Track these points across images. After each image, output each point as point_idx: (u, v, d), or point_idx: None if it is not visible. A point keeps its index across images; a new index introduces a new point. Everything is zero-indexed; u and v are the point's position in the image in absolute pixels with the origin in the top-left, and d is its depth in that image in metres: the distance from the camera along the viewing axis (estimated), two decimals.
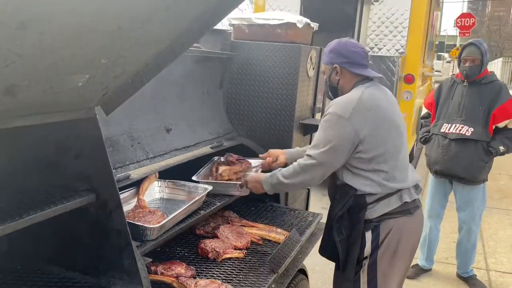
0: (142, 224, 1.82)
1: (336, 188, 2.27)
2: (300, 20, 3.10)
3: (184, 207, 2.10)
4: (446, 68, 44.37)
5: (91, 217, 1.66)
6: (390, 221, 2.18)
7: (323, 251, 2.40)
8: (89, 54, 1.20)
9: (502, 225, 5.22)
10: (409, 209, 2.20)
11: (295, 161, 2.57)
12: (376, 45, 6.36)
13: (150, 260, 1.79)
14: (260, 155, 2.79)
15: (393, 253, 2.19)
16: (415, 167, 7.66)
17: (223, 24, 3.33)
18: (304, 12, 6.53)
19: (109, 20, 1.09)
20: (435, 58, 12.74)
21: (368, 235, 2.20)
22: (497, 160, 8.48)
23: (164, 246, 2.32)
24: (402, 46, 6.23)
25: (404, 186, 2.20)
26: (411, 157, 8.14)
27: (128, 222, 1.65)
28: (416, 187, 2.30)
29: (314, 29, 3.34)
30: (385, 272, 2.20)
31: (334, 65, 2.27)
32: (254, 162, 2.81)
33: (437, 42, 12.02)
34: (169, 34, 1.35)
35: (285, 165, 2.55)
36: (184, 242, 2.43)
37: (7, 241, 1.80)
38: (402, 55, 6.16)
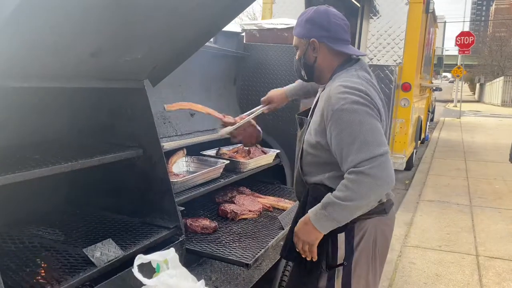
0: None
1: (309, 189, 1.93)
2: None
3: (202, 171, 2.53)
4: (449, 88, 44.95)
5: (138, 169, 2.08)
6: (366, 222, 1.87)
7: (287, 254, 2.03)
8: (152, 29, 1.64)
9: (494, 221, 5.57)
10: (385, 208, 1.92)
11: (299, 95, 2.51)
12: (375, 55, 6.84)
13: (183, 208, 2.19)
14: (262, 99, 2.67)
15: (369, 256, 1.91)
16: (413, 175, 8.06)
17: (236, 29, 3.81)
18: None
19: (170, 2, 1.53)
20: (435, 74, 13.21)
21: (341, 238, 1.86)
22: (494, 166, 8.90)
23: (189, 209, 2.73)
24: (399, 57, 6.70)
25: None
26: (410, 165, 8.52)
27: None
28: None
29: None
30: (361, 276, 1.90)
31: (312, 39, 1.86)
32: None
33: (435, 61, 12.55)
34: (209, 17, 1.79)
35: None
36: (206, 208, 2.84)
37: (69, 189, 2.22)
38: (399, 64, 6.62)
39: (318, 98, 1.94)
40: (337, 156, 1.76)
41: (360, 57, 1.97)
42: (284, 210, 2.87)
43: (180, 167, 2.80)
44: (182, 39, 1.85)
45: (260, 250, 2.21)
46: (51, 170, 1.57)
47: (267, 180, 3.52)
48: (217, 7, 1.77)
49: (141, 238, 1.89)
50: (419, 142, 9.69)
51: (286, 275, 2.67)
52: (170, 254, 1.55)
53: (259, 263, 2.35)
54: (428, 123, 12.81)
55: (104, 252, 1.66)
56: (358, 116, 1.70)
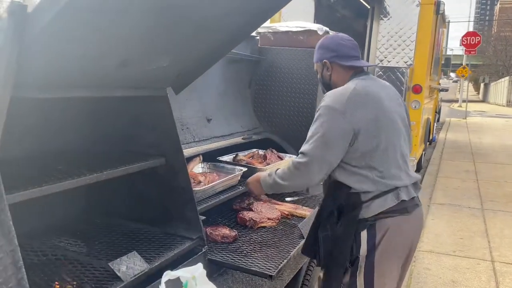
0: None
1: (330, 186, 2.13)
2: (320, 28, 3.51)
3: (222, 179, 2.49)
4: (453, 87, 44.79)
5: (160, 178, 2.04)
6: (387, 220, 2.01)
7: (307, 251, 2.25)
8: (178, 38, 1.60)
9: (507, 225, 5.52)
10: (407, 207, 2.04)
11: None
12: (385, 57, 6.77)
13: (204, 217, 2.15)
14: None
15: (391, 254, 2.04)
16: (422, 178, 8.00)
17: None
18: None
19: (199, 12, 1.49)
20: (442, 75, 13.15)
21: (364, 235, 2.03)
22: (503, 168, 8.83)
23: (207, 217, 2.69)
24: (410, 58, 6.63)
25: (401, 184, 2.04)
26: (419, 167, 8.47)
27: None
28: (415, 185, 2.14)
29: None
30: (383, 273, 2.04)
31: (324, 61, 2.19)
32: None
33: (443, 61, 12.47)
34: (235, 25, 1.75)
35: None
36: (224, 215, 2.80)
37: (88, 199, 2.19)
38: (410, 66, 6.56)
39: None
40: None
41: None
42: (302, 217, 2.83)
43: None
44: (207, 47, 1.81)
45: (283, 261, 2.16)
46: (77, 182, 1.53)
47: None
48: (244, 15, 1.72)
49: (164, 249, 1.85)
50: (427, 143, 9.64)
51: (307, 280, 2.63)
52: (198, 270, 1.51)
53: (281, 273, 2.31)
54: (435, 124, 12.75)
55: (130, 266, 1.62)
56: (320, 118, 2.03)
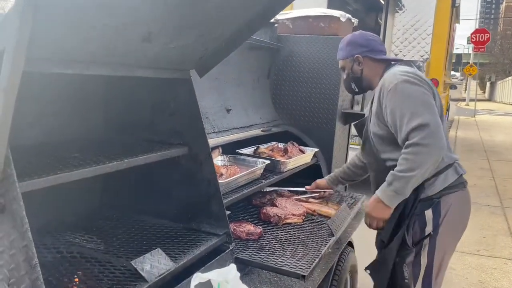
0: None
1: (389, 171, 2.01)
2: (343, 15, 3.33)
3: (245, 173, 2.32)
4: (459, 86, 44.40)
5: (183, 169, 1.87)
6: (450, 196, 2.03)
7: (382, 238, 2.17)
8: (203, 12, 1.42)
9: None
10: (463, 182, 2.10)
11: (337, 182, 2.72)
12: (400, 51, 6.57)
13: (229, 212, 1.98)
14: (306, 187, 2.83)
15: (452, 229, 2.07)
16: None
17: None
18: None
19: None
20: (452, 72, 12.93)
21: (429, 214, 2.03)
22: None
23: (230, 212, 2.52)
24: (427, 52, 6.43)
25: (457, 158, 2.11)
26: None
27: None
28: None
29: (355, 24, 3.57)
30: (443, 248, 2.06)
31: (356, 56, 2.23)
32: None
33: (453, 60, 12.25)
34: (260, 2, 1.57)
35: (326, 187, 2.75)
36: (245, 211, 2.63)
37: (104, 193, 2.02)
38: (427, 60, 6.36)
39: (373, 98, 2.19)
40: (393, 130, 2.01)
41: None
42: (327, 216, 2.65)
43: None
44: (234, 25, 1.63)
45: (315, 259, 1.99)
46: (95, 170, 1.36)
47: (303, 181, 3.29)
48: None
49: (189, 246, 1.67)
50: None
51: (335, 281, 2.45)
52: (231, 273, 1.34)
53: (312, 273, 2.13)
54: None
55: (154, 265, 1.44)
56: (408, 91, 1.95)
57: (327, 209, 2.73)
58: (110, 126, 1.93)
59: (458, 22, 10.54)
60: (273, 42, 3.32)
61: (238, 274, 1.41)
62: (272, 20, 3.50)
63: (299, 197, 2.83)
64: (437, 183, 2.03)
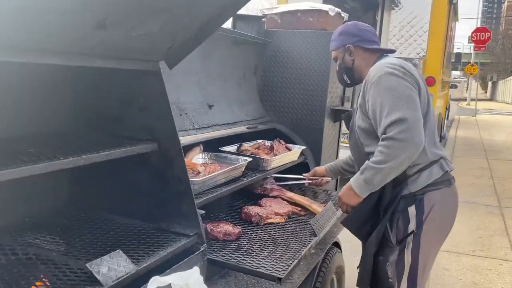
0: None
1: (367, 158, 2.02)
2: (331, 9, 3.24)
3: (224, 170, 2.22)
4: (461, 86, 44.21)
5: (153, 166, 1.77)
6: (434, 193, 1.97)
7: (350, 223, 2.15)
8: (167, 2, 1.33)
9: None
10: (449, 179, 2.03)
11: (337, 172, 2.64)
12: (397, 48, 6.48)
13: (204, 212, 1.88)
14: (304, 174, 2.75)
15: (436, 227, 2.01)
16: None
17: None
18: None
19: None
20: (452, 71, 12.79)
21: (412, 211, 1.98)
22: None
23: (208, 212, 2.42)
24: (423, 50, 6.35)
25: (443, 154, 2.05)
26: None
27: None
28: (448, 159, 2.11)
29: (345, 19, 3.47)
30: (428, 247, 2.00)
31: (347, 45, 2.18)
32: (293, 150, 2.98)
33: (453, 60, 12.09)
34: None
35: (325, 174, 2.67)
36: (227, 210, 2.54)
37: (72, 190, 1.93)
38: (423, 57, 6.27)
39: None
40: (374, 123, 1.96)
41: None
42: (315, 214, 2.56)
43: None
44: (203, 13, 1.54)
45: (293, 261, 1.90)
46: (46, 167, 1.27)
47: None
48: None
49: (155, 248, 1.58)
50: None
51: (319, 283, 2.36)
52: (193, 276, 1.25)
53: (291, 275, 2.04)
54: (445, 121, 12.42)
55: (112, 267, 1.35)
56: (390, 84, 1.89)
57: (316, 207, 2.64)
58: (78, 120, 1.84)
59: (457, 20, 10.44)
60: (260, 37, 3.23)
61: (201, 278, 1.32)
62: (260, 15, 3.42)
63: (286, 192, 2.74)
64: (421, 180, 1.98)
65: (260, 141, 3.08)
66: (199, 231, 1.73)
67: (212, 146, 2.61)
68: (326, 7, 3.24)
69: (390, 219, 2.00)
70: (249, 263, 1.86)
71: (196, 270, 1.31)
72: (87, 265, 1.32)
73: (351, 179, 2.02)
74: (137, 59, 1.61)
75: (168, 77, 2.25)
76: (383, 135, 1.87)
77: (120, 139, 1.72)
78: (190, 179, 1.96)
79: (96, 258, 1.38)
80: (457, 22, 10.63)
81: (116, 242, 1.62)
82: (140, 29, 1.42)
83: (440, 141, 11.33)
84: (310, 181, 2.73)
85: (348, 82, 2.28)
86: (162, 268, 1.51)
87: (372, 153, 1.97)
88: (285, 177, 2.81)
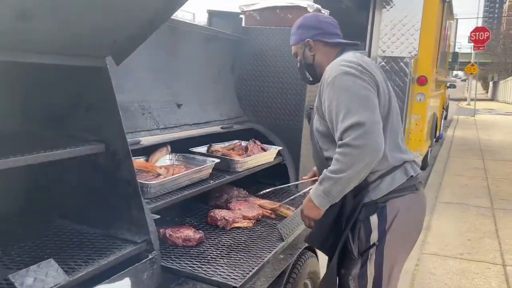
0: (140, 181, 1.83)
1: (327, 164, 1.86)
2: (310, 5, 3.14)
3: (185, 173, 2.11)
4: (461, 86, 43.98)
5: (101, 168, 1.68)
6: (397, 200, 1.83)
7: (312, 240, 2.03)
8: None
9: None
10: (415, 184, 1.89)
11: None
12: (388, 47, 6.37)
13: (158, 216, 1.78)
14: (303, 177, 2.58)
15: (401, 236, 1.88)
16: (428, 175, 7.57)
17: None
18: None
19: None
20: (451, 72, 12.62)
21: (374, 220, 1.83)
22: None
23: (174, 215, 2.33)
24: (415, 48, 6.23)
25: (408, 158, 1.89)
26: (425, 164, 8.05)
27: None
28: (416, 162, 1.97)
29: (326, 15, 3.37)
30: (392, 257, 1.87)
31: (306, 40, 2.02)
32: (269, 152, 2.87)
33: (450, 58, 11.93)
34: None
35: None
36: (195, 213, 2.44)
37: (16, 193, 1.83)
38: (415, 56, 6.16)
39: None
40: (331, 127, 1.80)
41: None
42: (285, 216, 2.46)
43: None
44: (142, 10, 1.44)
45: (253, 268, 1.80)
46: None
47: (267, 181, 3.09)
48: None
49: (97, 256, 1.48)
50: (433, 140, 9.21)
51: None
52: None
53: (253, 283, 1.94)
54: (442, 121, 12.29)
55: (40, 278, 1.25)
56: (346, 85, 1.74)
57: (286, 210, 2.54)
58: (27, 118, 1.74)
59: (453, 19, 10.31)
60: (236, 34, 3.13)
61: None
62: (237, 11, 3.31)
63: (256, 198, 2.64)
64: (383, 186, 1.83)
65: (236, 141, 2.99)
66: (148, 237, 1.63)
67: (182, 147, 2.51)
68: (304, 3, 3.14)
69: (352, 229, 1.86)
70: (204, 270, 1.77)
71: (126, 282, 1.21)
72: (10, 276, 1.22)
73: (311, 190, 1.86)
74: (81, 55, 1.51)
75: (129, 74, 2.17)
76: (340, 141, 1.71)
77: (68, 138, 1.62)
78: (146, 182, 1.88)
79: (28, 267, 1.28)
80: (453, 22, 10.51)
81: (56, 249, 1.52)
82: (74, 23, 1.32)
83: (437, 141, 11.25)
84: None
85: (311, 79, 2.13)
86: (102, 277, 1.42)
87: (331, 159, 1.80)
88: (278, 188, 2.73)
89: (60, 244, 1.57)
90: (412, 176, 1.87)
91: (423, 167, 7.69)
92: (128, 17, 1.47)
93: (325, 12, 3.36)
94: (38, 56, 1.38)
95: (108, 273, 1.45)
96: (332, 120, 1.77)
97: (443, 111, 11.97)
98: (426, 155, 8.03)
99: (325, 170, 1.77)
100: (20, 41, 1.28)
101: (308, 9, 3.13)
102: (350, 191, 1.79)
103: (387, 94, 1.86)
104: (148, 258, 1.60)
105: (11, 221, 1.74)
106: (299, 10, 3.15)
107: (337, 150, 1.72)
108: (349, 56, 1.89)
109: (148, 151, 2.27)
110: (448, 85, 12.70)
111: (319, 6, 3.25)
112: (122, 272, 1.44)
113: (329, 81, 1.79)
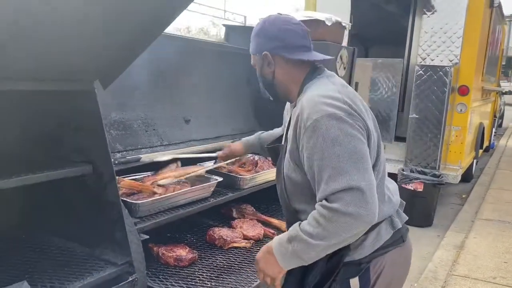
0: (129, 200, 1.85)
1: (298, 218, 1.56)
2: (329, 18, 3.07)
3: (180, 191, 2.10)
4: None
5: (89, 189, 1.71)
6: (382, 258, 1.56)
7: None
8: (81, 14, 1.25)
9: None
10: (402, 235, 1.61)
11: (258, 149, 2.24)
12: (428, 55, 6.14)
13: (147, 237, 1.80)
14: (218, 152, 2.38)
15: None
16: (471, 188, 7.19)
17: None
18: (353, 24, 6.46)
19: None
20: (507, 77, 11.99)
21: (354, 283, 1.54)
22: None
23: (174, 232, 2.35)
24: (456, 56, 5.96)
25: (394, 205, 1.61)
26: (470, 176, 7.66)
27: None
28: (402, 205, 1.68)
29: (348, 28, 3.29)
30: None
31: (264, 53, 1.59)
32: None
33: (503, 62, 11.30)
34: (150, 7, 1.38)
35: (243, 154, 2.32)
36: (197, 230, 2.45)
37: (15, 212, 1.90)
38: (455, 65, 5.89)
39: (290, 118, 1.58)
40: (310, 179, 1.44)
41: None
42: None
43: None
44: (124, 32, 1.45)
45: None
46: None
47: (274, 198, 3.05)
48: None
49: (75, 278, 1.51)
50: (481, 150, 8.75)
51: None
52: None
53: None
54: (494, 129, 11.68)
55: None
56: (332, 135, 1.37)
57: None
58: (20, 140, 1.81)
59: (506, 24, 9.79)
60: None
61: None
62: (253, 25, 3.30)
63: (261, 215, 2.60)
64: (367, 244, 1.52)
65: (250, 155, 2.96)
66: (130, 259, 1.65)
67: (193, 163, 2.51)
68: (322, 16, 3.08)
69: None
70: None
71: None
72: None
73: (274, 241, 1.48)
74: (62, 79, 1.55)
75: (132, 92, 2.21)
76: (324, 202, 1.35)
77: (56, 160, 1.68)
78: (135, 202, 1.89)
79: (4, 287, 1.33)
80: (506, 25, 9.97)
81: (35, 269, 1.57)
82: (54, 48, 1.36)
83: (488, 151, 10.69)
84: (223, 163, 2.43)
85: (271, 99, 1.75)
86: None
87: (302, 212, 1.53)
88: (192, 157, 2.39)
89: (40, 264, 1.63)
90: (399, 228, 1.58)
91: (467, 180, 7.34)
92: (110, 42, 1.49)
93: (346, 25, 3.28)
94: (14, 83, 1.42)
95: None
96: (313, 176, 1.41)
97: (494, 119, 11.38)
98: (470, 167, 7.64)
99: (297, 226, 1.42)
100: (3, 68, 1.32)
101: (326, 22, 3.06)
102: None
103: (377, 138, 1.53)
104: (128, 280, 1.62)
105: (5, 238, 1.81)
106: (317, 23, 3.09)
107: (320, 210, 1.36)
108: (329, 87, 1.51)
109: (158, 166, 2.26)
110: (503, 91, 12.07)
111: (339, 19, 3.18)
112: None
113: (309, 125, 1.40)
